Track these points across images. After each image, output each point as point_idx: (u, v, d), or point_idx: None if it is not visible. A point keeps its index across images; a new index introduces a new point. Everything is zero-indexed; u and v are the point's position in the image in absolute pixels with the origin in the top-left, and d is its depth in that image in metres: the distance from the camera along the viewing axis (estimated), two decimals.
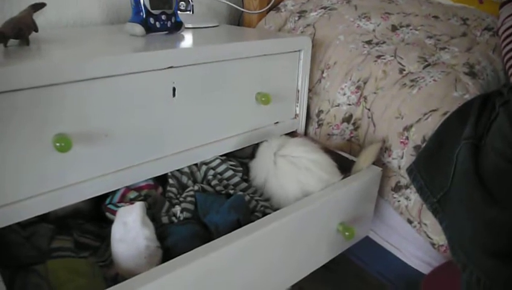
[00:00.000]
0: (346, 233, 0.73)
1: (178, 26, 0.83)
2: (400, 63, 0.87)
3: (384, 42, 0.95)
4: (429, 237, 0.77)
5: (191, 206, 0.74)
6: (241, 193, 0.80)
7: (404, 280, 0.89)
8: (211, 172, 0.83)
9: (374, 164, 0.81)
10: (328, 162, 0.80)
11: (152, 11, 0.76)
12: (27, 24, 0.65)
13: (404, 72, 0.85)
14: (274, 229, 0.63)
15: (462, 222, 0.64)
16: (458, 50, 0.91)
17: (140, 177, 0.71)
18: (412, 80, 0.83)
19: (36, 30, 0.68)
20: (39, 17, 0.71)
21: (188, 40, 0.80)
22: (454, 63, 0.86)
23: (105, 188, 0.66)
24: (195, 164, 0.83)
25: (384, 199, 0.86)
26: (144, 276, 0.50)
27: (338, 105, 0.93)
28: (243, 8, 1.20)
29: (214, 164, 0.84)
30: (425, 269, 0.82)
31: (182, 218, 0.72)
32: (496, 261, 0.56)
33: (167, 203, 0.74)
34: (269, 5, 1.17)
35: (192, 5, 1.03)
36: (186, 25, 0.87)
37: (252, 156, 0.86)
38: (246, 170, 0.88)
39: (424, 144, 0.76)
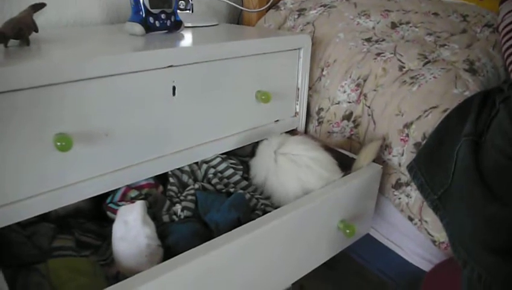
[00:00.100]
0: (347, 231, 0.73)
1: (177, 25, 0.83)
2: (400, 60, 0.87)
3: (384, 40, 0.94)
4: (430, 234, 0.77)
5: (191, 205, 0.74)
6: (241, 191, 0.80)
7: (405, 278, 0.89)
8: (212, 170, 0.83)
9: (374, 161, 0.81)
10: (328, 160, 0.80)
11: (151, 10, 0.76)
12: (27, 24, 0.65)
13: (404, 70, 0.85)
14: (274, 227, 0.63)
15: (462, 218, 0.64)
16: (458, 47, 0.91)
17: (141, 176, 0.71)
18: (412, 77, 0.83)
19: (36, 30, 0.68)
20: (39, 17, 0.71)
21: (187, 39, 0.80)
22: (454, 60, 0.86)
23: (106, 187, 0.66)
24: (196, 163, 0.83)
25: (385, 196, 0.86)
26: (144, 274, 0.51)
27: (338, 103, 0.93)
28: (242, 6, 1.20)
29: (214, 163, 0.84)
30: (426, 266, 0.82)
31: (182, 216, 0.72)
32: (497, 257, 0.56)
33: (168, 202, 0.75)
34: (269, 4, 1.17)
35: (192, 4, 1.03)
36: (186, 24, 0.87)
37: (252, 154, 0.86)
38: (247, 169, 0.88)
39: (424, 141, 0.76)
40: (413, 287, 0.80)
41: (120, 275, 0.61)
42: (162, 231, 0.67)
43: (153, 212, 0.71)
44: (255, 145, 0.87)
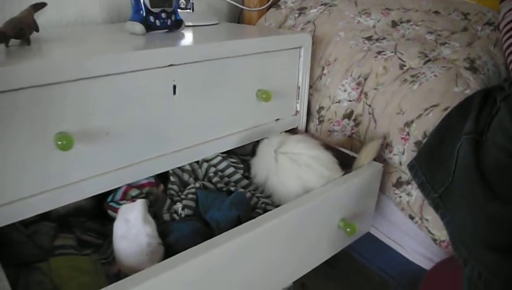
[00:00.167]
0: (348, 229, 0.73)
1: (178, 24, 0.83)
2: (401, 59, 0.87)
3: (384, 38, 0.94)
4: (431, 233, 0.77)
5: (192, 204, 0.74)
6: (242, 190, 0.80)
7: (406, 276, 0.89)
8: (212, 169, 0.83)
9: (375, 160, 0.81)
10: (328, 158, 0.80)
11: (152, 10, 0.76)
12: (28, 24, 0.65)
13: (405, 68, 0.85)
14: (275, 225, 0.63)
15: (463, 217, 0.64)
16: (459, 45, 0.91)
17: (141, 175, 0.71)
18: (412, 76, 0.83)
19: (37, 30, 0.68)
20: (40, 17, 0.71)
21: (188, 38, 0.80)
22: (455, 58, 0.86)
23: (107, 186, 0.66)
24: (197, 162, 0.84)
25: (386, 195, 0.86)
26: (145, 273, 0.51)
27: (339, 101, 0.93)
28: (242, 5, 1.20)
29: (215, 161, 0.84)
30: (427, 265, 0.82)
31: (183, 215, 0.72)
32: (497, 256, 0.56)
33: (169, 201, 0.75)
34: (269, 3, 1.17)
35: (192, 3, 1.03)
36: (186, 23, 0.87)
37: (253, 153, 0.86)
38: (247, 167, 0.88)
39: (425, 140, 0.76)
40: (414, 285, 0.80)
41: (121, 274, 0.61)
42: (163, 229, 0.67)
43: (154, 211, 0.71)
44: (255, 144, 0.87)
